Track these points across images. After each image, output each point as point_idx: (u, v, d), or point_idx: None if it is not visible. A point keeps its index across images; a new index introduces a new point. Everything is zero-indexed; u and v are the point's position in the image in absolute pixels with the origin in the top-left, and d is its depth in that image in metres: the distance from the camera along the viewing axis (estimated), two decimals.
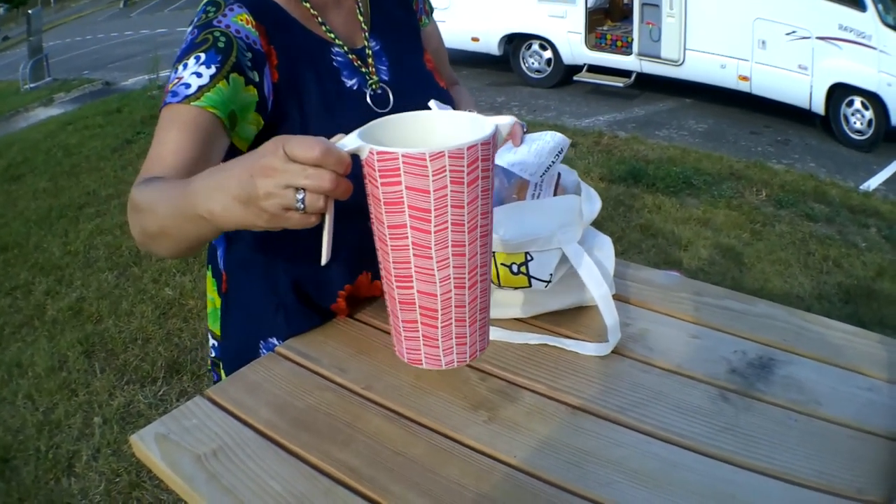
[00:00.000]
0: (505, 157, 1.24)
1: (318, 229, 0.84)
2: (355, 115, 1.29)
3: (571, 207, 1.28)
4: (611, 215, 5.40)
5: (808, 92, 8.08)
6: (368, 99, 1.32)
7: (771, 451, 1.02)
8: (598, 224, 1.36)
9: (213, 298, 1.49)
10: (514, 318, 1.36)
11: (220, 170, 0.87)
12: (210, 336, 1.54)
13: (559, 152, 1.28)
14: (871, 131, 7.76)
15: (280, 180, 0.77)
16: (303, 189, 0.77)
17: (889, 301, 4.31)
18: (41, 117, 10.85)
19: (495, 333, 1.28)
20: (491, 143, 0.82)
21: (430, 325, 0.86)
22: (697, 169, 6.49)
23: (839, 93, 7.89)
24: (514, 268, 1.26)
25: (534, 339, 1.28)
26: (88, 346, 3.94)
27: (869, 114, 7.73)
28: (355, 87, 1.31)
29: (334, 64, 1.30)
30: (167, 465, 1.04)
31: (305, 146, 0.76)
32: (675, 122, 8.67)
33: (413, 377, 1.20)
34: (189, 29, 1.19)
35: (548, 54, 10.22)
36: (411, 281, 0.83)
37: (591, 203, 1.30)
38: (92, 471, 3.01)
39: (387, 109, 1.33)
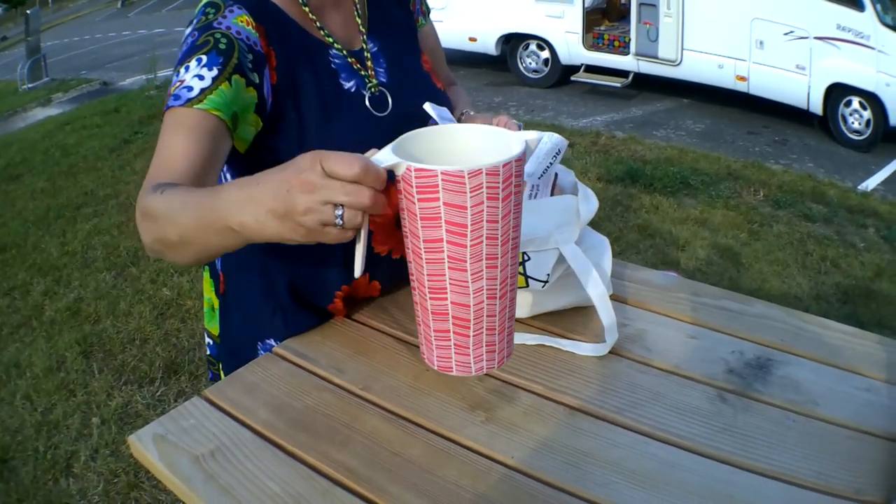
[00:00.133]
0: None
1: None
2: (353, 117, 1.29)
3: (568, 207, 1.28)
4: (608, 215, 5.40)
5: (806, 92, 8.08)
6: (367, 101, 1.32)
7: (769, 452, 1.02)
8: (596, 224, 1.36)
9: (210, 299, 1.49)
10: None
11: (251, 182, 0.86)
12: (207, 336, 1.54)
13: (556, 153, 1.28)
14: (869, 131, 7.76)
15: (319, 196, 0.78)
16: (341, 205, 0.78)
17: (887, 301, 4.31)
18: (39, 117, 10.85)
19: None
20: (522, 160, 0.83)
21: (461, 335, 0.87)
22: (695, 169, 6.48)
23: (837, 93, 7.90)
24: None
25: (531, 339, 1.28)
26: (86, 347, 3.94)
27: (867, 114, 7.73)
28: (353, 90, 1.31)
29: (332, 66, 1.30)
30: (165, 465, 1.04)
31: (345, 163, 0.77)
32: (673, 123, 8.67)
33: (411, 378, 1.20)
34: (188, 31, 1.18)
35: (545, 54, 10.21)
36: (445, 293, 0.84)
37: (588, 203, 1.30)
38: (90, 471, 3.01)
39: (385, 112, 1.33)
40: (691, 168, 6.51)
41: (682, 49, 8.85)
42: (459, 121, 1.40)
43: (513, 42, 10.41)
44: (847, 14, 7.70)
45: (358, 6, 1.38)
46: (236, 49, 1.15)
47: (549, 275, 1.26)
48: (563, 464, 1.01)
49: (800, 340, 1.28)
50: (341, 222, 0.79)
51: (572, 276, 1.26)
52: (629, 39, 9.37)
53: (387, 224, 1.32)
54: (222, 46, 1.14)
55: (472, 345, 0.88)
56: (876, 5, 7.58)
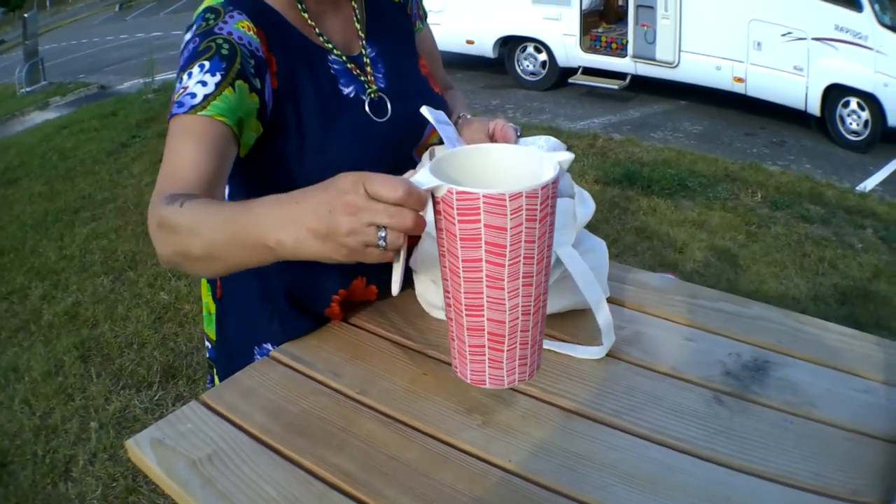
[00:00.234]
0: None
1: None
2: (353, 122, 1.29)
3: (565, 210, 1.28)
4: (606, 218, 5.40)
5: (804, 93, 8.10)
6: (366, 106, 1.32)
7: (766, 454, 1.02)
8: (593, 227, 1.36)
9: (207, 303, 1.48)
10: None
11: (288, 201, 0.86)
12: (206, 340, 1.54)
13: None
14: (867, 132, 7.77)
15: (363, 218, 0.79)
16: (384, 227, 0.79)
17: (885, 302, 4.31)
18: (37, 121, 10.87)
19: None
20: (557, 182, 0.85)
21: (496, 349, 0.89)
22: (692, 171, 6.49)
23: (835, 94, 7.91)
24: None
25: None
26: (84, 351, 3.94)
27: (865, 114, 7.74)
28: (352, 95, 1.31)
29: (331, 71, 1.30)
30: (162, 469, 1.04)
31: (389, 186, 0.77)
32: (670, 125, 8.68)
33: (407, 381, 1.20)
34: (188, 37, 1.18)
35: (542, 57, 10.23)
36: (482, 310, 0.86)
37: (584, 206, 1.30)
38: (89, 475, 3.01)
39: (385, 117, 1.33)
40: (689, 170, 6.51)
41: (680, 51, 8.87)
42: (456, 124, 1.40)
43: (510, 44, 10.42)
44: (845, 14, 7.71)
45: (357, 11, 1.38)
46: (239, 54, 1.14)
47: None
48: (561, 467, 1.01)
49: (797, 342, 1.28)
50: (384, 244, 0.80)
51: (569, 279, 1.25)
52: (626, 41, 9.38)
53: None
54: (224, 52, 1.13)
55: (506, 359, 0.90)
56: (874, 5, 7.60)
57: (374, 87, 1.34)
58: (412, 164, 1.36)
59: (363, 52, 1.36)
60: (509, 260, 0.82)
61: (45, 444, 3.22)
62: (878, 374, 1.19)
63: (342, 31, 1.35)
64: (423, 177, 0.83)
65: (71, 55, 18.82)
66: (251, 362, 1.30)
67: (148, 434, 1.11)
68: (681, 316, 1.36)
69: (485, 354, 0.89)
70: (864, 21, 7.62)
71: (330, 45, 1.30)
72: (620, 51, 9.51)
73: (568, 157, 0.91)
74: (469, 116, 1.45)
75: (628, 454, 1.03)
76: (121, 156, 7.65)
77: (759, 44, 8.28)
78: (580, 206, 1.28)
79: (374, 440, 1.07)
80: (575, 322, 1.35)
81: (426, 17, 1.57)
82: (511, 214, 0.79)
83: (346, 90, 1.31)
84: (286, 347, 1.32)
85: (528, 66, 10.41)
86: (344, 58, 1.32)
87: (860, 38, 7.65)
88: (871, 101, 7.65)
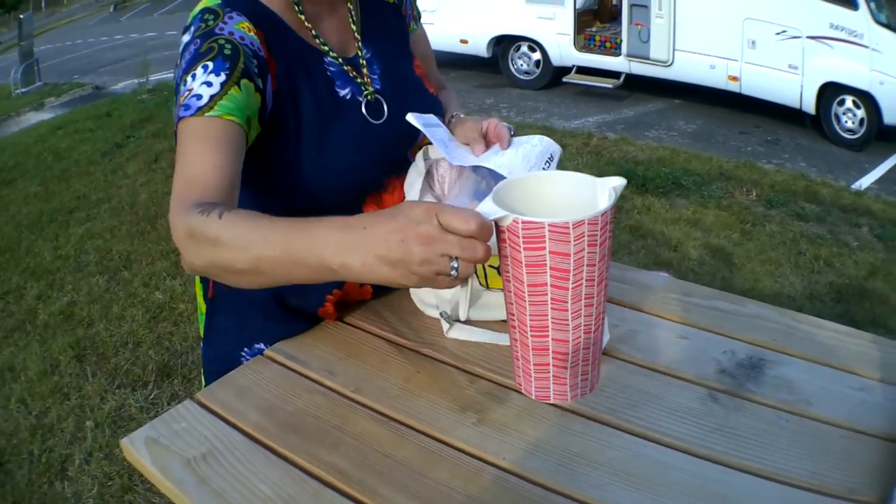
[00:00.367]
0: (492, 160, 1.23)
1: None
2: (350, 124, 1.29)
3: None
4: None
5: (799, 91, 8.11)
6: (363, 108, 1.31)
7: (762, 452, 1.02)
8: None
9: (200, 303, 1.48)
10: (502, 320, 1.35)
11: (354, 226, 0.87)
12: (202, 339, 1.54)
13: (549, 159, 1.27)
14: (862, 130, 7.78)
15: (437, 249, 0.81)
16: (456, 257, 0.81)
17: (881, 300, 4.32)
18: (32, 121, 10.85)
19: (483, 336, 1.28)
20: (615, 208, 0.90)
21: (560, 367, 0.94)
22: (687, 169, 6.49)
23: (830, 92, 7.92)
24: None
25: None
26: (80, 350, 3.94)
27: (861, 112, 7.75)
28: (349, 97, 1.30)
29: (328, 73, 1.29)
30: (157, 468, 1.03)
31: (462, 219, 0.80)
32: (665, 123, 8.69)
33: (402, 380, 1.20)
34: (187, 39, 1.17)
35: (537, 56, 10.23)
36: (547, 331, 0.91)
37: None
38: (85, 474, 3.01)
39: (381, 119, 1.32)
40: (683, 168, 6.51)
41: (674, 50, 8.88)
42: (449, 124, 1.40)
43: (504, 44, 10.43)
44: (840, 13, 7.72)
45: (352, 12, 1.37)
46: (242, 54, 1.13)
47: None
48: (556, 465, 1.01)
49: (792, 340, 1.27)
50: (455, 273, 0.82)
51: None
52: (620, 40, 9.39)
53: None
54: (227, 52, 1.12)
55: (569, 375, 0.95)
56: (870, 4, 7.61)
57: (371, 88, 1.33)
58: (408, 165, 1.36)
59: (359, 53, 1.35)
60: (573, 283, 0.86)
61: (42, 444, 3.22)
62: (874, 372, 1.19)
63: (338, 32, 1.34)
64: (487, 207, 0.87)
65: (66, 56, 18.80)
66: (237, 364, 1.29)
67: (143, 433, 1.11)
68: (675, 314, 1.36)
69: (549, 372, 0.95)
70: (860, 19, 7.63)
71: (326, 48, 1.30)
72: (614, 50, 9.52)
73: (620, 182, 0.94)
74: (462, 116, 1.45)
75: (623, 452, 1.03)
76: (115, 156, 7.65)
77: (753, 42, 8.29)
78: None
79: (368, 438, 1.07)
80: None
81: (420, 18, 1.57)
82: (574, 241, 0.84)
83: (343, 92, 1.30)
84: (280, 346, 1.31)
85: (522, 65, 10.41)
86: (340, 60, 1.31)
87: (856, 36, 7.66)
88: (866, 99, 7.66)
